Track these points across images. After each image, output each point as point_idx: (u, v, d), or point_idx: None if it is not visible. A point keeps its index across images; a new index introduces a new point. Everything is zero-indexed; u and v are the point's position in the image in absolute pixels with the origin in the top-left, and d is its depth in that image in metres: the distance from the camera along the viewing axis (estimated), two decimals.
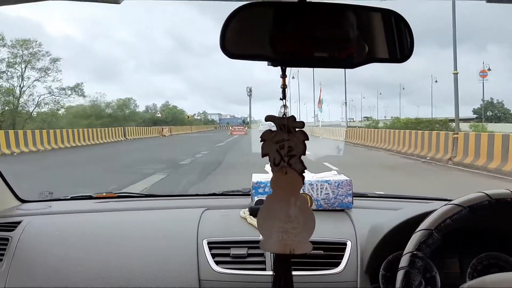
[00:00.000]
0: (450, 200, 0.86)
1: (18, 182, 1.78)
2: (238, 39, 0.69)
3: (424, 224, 0.83)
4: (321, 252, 1.16)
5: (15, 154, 13.70)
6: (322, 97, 36.06)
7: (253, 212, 1.33)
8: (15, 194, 1.60)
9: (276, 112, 0.78)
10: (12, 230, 1.32)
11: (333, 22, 0.72)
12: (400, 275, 0.79)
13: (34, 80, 27.09)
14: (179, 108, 55.69)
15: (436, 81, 54.17)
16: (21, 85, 26.62)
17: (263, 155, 0.76)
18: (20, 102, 26.59)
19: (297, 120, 0.75)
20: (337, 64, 0.76)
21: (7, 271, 1.20)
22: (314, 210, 1.25)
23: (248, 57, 0.71)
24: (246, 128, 38.17)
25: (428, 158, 12.28)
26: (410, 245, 0.82)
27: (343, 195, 1.44)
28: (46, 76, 27.36)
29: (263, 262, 1.16)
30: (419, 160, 12.32)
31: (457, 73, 13.16)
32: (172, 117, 47.97)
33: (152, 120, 42.08)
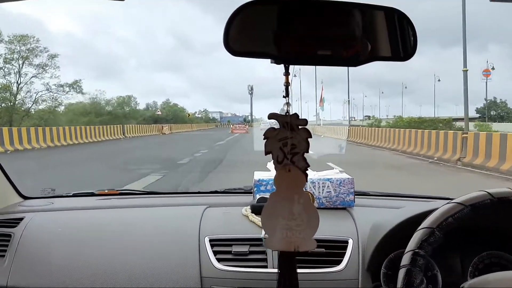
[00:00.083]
0: (452, 199, 0.87)
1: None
2: (241, 36, 0.70)
3: (426, 223, 0.83)
4: (323, 250, 1.16)
5: (8, 152, 13.36)
6: (324, 95, 35.97)
7: (255, 209, 1.34)
8: (18, 191, 1.60)
9: (278, 110, 0.78)
10: (15, 227, 1.33)
11: (337, 20, 0.72)
12: (401, 273, 0.79)
13: (32, 77, 26.64)
14: (180, 106, 55.64)
15: (439, 80, 53.99)
16: (18, 82, 26.17)
17: (267, 152, 0.76)
18: (17, 99, 26.21)
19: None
20: (340, 62, 0.76)
21: (9, 267, 1.21)
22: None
23: (252, 54, 0.71)
24: (247, 127, 38.09)
25: (435, 158, 11.68)
26: (412, 243, 0.82)
27: (345, 193, 1.44)
28: (43, 72, 26.84)
29: (265, 260, 1.16)
30: (426, 160, 11.75)
31: (467, 70, 12.82)
32: (172, 115, 47.62)
33: (152, 118, 41.71)
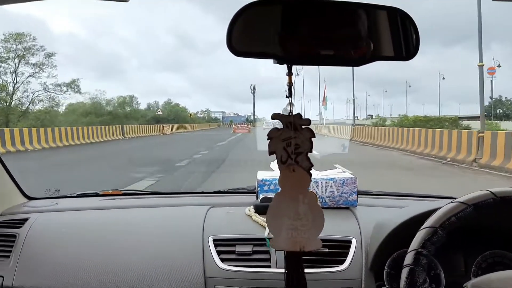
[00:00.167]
0: (454, 198, 0.87)
1: None
2: (244, 37, 0.70)
3: (428, 222, 0.84)
4: (326, 249, 1.16)
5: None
6: (327, 94, 35.92)
7: (258, 209, 1.34)
8: (22, 191, 1.61)
9: (280, 110, 0.79)
10: (20, 227, 1.34)
11: (339, 20, 0.72)
12: (404, 272, 0.80)
13: (28, 76, 25.57)
14: (181, 106, 55.50)
15: (443, 78, 53.37)
16: (15, 81, 25.10)
17: (270, 152, 0.76)
18: (13, 99, 25.12)
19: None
20: (343, 62, 0.76)
21: (14, 267, 1.22)
22: None
23: (255, 55, 0.71)
24: (249, 126, 38.02)
25: (448, 159, 10.96)
26: (415, 243, 0.82)
27: (348, 193, 1.44)
28: (40, 71, 25.77)
29: (268, 260, 1.16)
30: (439, 161, 11.04)
31: (483, 65, 12.08)
32: (174, 115, 47.25)
33: (154, 118, 41.25)
